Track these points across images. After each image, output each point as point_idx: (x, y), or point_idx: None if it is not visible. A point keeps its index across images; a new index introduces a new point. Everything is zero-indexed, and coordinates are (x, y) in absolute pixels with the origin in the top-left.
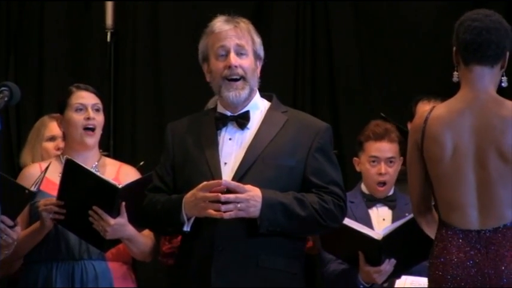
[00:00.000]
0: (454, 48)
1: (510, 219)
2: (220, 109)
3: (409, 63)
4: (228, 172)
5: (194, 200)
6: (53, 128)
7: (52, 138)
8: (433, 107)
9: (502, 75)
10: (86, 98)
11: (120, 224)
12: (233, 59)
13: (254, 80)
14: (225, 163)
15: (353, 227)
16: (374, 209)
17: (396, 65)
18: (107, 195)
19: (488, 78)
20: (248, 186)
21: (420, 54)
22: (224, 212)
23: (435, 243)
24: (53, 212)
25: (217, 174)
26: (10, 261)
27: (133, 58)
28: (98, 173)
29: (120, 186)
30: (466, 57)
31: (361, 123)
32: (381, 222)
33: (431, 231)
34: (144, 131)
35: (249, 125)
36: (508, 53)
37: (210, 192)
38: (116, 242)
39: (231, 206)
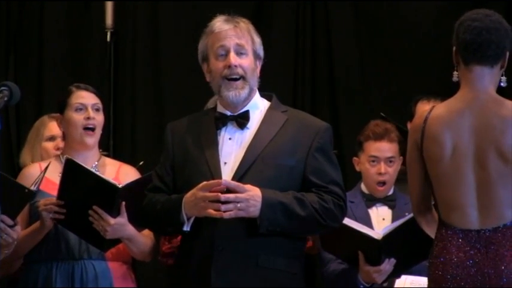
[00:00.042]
0: (454, 48)
1: (510, 218)
2: (220, 109)
3: (409, 63)
4: (227, 172)
5: (194, 200)
6: (53, 127)
7: (51, 138)
8: (433, 106)
9: (502, 75)
10: (85, 98)
11: (120, 224)
12: (233, 58)
13: (254, 80)
14: (225, 163)
15: (353, 227)
16: (374, 208)
17: (396, 65)
18: (107, 194)
19: (488, 78)
20: (248, 186)
21: (420, 54)
22: (224, 211)
23: (435, 242)
24: (53, 211)
25: (217, 174)
26: (10, 260)
27: (133, 58)
28: (98, 173)
29: (120, 186)
30: (466, 57)
31: (361, 123)
32: (380, 221)
33: (431, 231)
34: (144, 131)
35: (249, 124)
36: (507, 53)
37: (210, 191)
38: (116, 241)
39: (230, 205)
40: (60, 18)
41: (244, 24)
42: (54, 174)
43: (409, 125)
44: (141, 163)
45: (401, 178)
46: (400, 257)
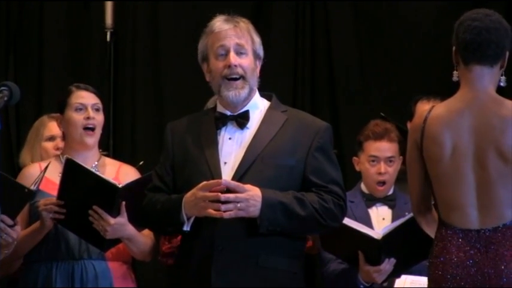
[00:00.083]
0: (454, 48)
1: (510, 218)
2: (220, 109)
3: (409, 63)
4: (227, 172)
5: (194, 200)
6: (52, 127)
7: (51, 138)
8: (433, 106)
9: (501, 75)
10: (85, 98)
11: (120, 224)
12: (233, 58)
13: (254, 80)
14: (225, 163)
15: (353, 227)
16: (374, 208)
17: (396, 65)
18: (107, 194)
19: (487, 78)
20: (248, 186)
21: (420, 54)
22: (224, 211)
23: (435, 242)
24: (53, 211)
25: (217, 174)
26: (10, 260)
27: (133, 58)
28: (98, 173)
29: (120, 186)
30: (465, 56)
31: (361, 123)
32: (380, 221)
33: (431, 231)
34: (144, 130)
35: (249, 124)
36: (507, 53)
37: (210, 191)
38: (116, 241)
39: (230, 205)
40: (60, 18)
41: (244, 24)
42: (54, 174)
43: (409, 125)
44: (141, 163)
45: (401, 178)
46: (400, 256)
